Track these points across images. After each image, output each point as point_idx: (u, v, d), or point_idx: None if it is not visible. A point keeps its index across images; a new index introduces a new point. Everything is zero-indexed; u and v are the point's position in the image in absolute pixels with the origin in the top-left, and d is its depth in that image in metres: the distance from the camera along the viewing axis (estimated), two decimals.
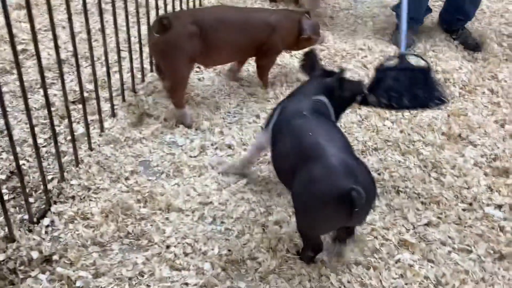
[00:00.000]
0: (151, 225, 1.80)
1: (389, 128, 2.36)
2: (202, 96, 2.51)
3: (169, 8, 2.71)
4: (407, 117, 2.43)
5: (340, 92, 1.87)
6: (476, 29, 3.22)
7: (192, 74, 2.50)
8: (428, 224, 1.87)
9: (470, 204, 1.98)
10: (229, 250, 1.72)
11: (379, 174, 2.11)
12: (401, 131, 2.33)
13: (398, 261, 1.72)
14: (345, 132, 2.29)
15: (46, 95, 1.77)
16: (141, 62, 2.53)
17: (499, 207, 1.97)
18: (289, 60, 2.83)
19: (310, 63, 2.00)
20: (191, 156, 2.14)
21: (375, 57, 2.90)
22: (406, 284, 1.64)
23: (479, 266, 1.72)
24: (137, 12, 2.46)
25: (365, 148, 2.24)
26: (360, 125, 2.38)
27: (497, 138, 2.32)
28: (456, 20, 3.15)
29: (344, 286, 1.63)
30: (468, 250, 1.78)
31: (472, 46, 3.05)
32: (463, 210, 1.95)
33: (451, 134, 2.32)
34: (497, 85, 2.69)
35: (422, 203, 1.96)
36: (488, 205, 1.98)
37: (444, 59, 2.88)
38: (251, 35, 2.40)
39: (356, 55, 2.92)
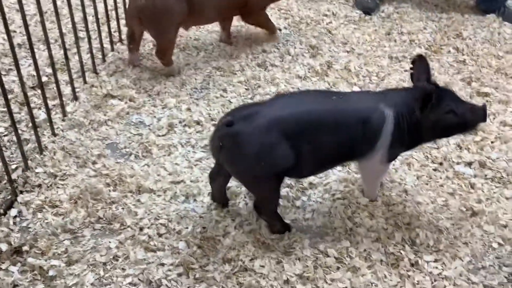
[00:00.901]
0: (123, 208, 1.77)
1: None
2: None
3: None
4: (374, 80, 2.43)
5: (419, 113, 1.56)
6: None
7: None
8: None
9: (441, 163, 2.00)
10: (204, 228, 1.70)
11: None
12: None
13: (371, 227, 1.72)
14: None
15: (1, 82, 1.69)
16: (101, 42, 2.45)
17: (469, 164, 2.00)
18: (254, 29, 2.78)
19: (417, 71, 1.64)
20: (159, 135, 2.09)
21: (340, 22, 2.87)
22: (381, 247, 1.66)
23: (452, 224, 1.74)
24: None
25: None
26: None
27: (464, 96, 2.33)
28: None
29: (319, 252, 1.63)
30: (441, 209, 1.80)
31: None
32: (434, 170, 1.96)
33: None
34: (462, 43, 2.70)
35: (393, 165, 1.97)
36: (458, 163, 2.00)
37: (408, 21, 2.87)
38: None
39: (320, 22, 2.88)
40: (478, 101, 2.30)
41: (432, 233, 1.70)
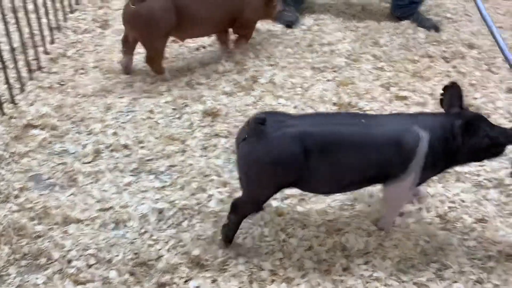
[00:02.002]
0: (49, 242, 1.70)
1: (283, 105, 2.40)
2: (92, 96, 2.41)
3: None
4: (299, 92, 2.48)
5: (461, 140, 1.57)
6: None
7: (78, 77, 2.40)
8: None
9: None
10: (135, 253, 1.67)
11: None
12: (295, 107, 2.38)
13: (303, 236, 1.75)
14: (240, 115, 2.32)
15: None
16: (17, 72, 2.37)
17: None
18: (179, 50, 2.78)
19: (449, 98, 1.65)
20: (84, 163, 2.04)
21: (263, 37, 2.92)
22: (314, 255, 1.68)
23: None
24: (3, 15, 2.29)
25: None
26: (255, 106, 2.39)
27: (384, 101, 2.43)
28: (411, 3, 3.06)
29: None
30: (368, 213, 1.86)
31: (431, 25, 3.01)
32: None
33: (341, 103, 2.40)
34: (380, 50, 2.82)
35: None
36: None
37: (328, 32, 2.96)
38: (224, 8, 2.50)
39: None
40: (397, 105, 2.41)
41: (362, 236, 1.75)
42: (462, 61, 2.75)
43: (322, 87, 2.51)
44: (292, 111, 2.34)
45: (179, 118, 2.31)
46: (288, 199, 1.88)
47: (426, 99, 2.43)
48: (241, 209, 1.64)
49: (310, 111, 2.34)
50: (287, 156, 1.50)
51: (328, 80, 2.57)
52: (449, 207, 1.88)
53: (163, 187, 1.96)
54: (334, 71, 2.64)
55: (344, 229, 1.77)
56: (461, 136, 1.56)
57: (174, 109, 2.36)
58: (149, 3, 2.28)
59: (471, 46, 2.86)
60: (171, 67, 2.64)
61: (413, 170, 1.58)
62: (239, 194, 1.89)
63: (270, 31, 2.99)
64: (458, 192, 1.94)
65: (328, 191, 1.73)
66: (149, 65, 2.47)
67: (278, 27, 3.02)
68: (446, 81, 2.52)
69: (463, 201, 1.91)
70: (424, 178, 1.65)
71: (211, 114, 2.31)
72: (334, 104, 2.40)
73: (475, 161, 1.73)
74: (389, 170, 1.59)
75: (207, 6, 2.44)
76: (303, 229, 1.76)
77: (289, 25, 3.03)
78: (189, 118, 2.29)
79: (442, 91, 1.67)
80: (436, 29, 3.00)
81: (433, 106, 2.39)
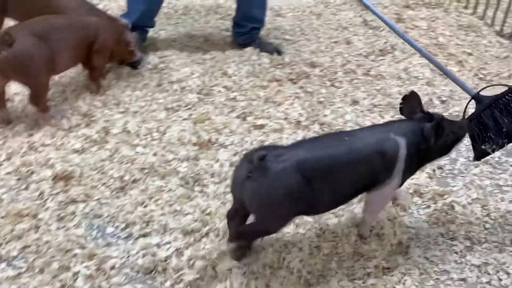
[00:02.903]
0: None
1: (142, 154, 2.27)
2: None
3: None
4: (156, 137, 2.37)
5: (433, 141, 1.73)
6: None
7: None
8: None
9: None
10: None
11: (144, 206, 2.01)
12: (155, 154, 2.26)
13: None
14: (96, 173, 2.15)
15: None
16: None
17: None
18: (16, 108, 2.50)
19: (410, 105, 1.81)
20: None
21: (107, 82, 2.75)
22: None
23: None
24: None
25: (125, 184, 2.11)
26: (112, 160, 2.23)
27: (243, 132, 2.42)
28: (251, 30, 3.11)
29: None
30: None
31: (273, 49, 3.07)
32: None
33: (201, 142, 2.34)
34: (229, 80, 2.82)
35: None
36: None
37: (175, 68, 2.89)
38: (77, 38, 2.49)
39: (86, 86, 2.73)
40: (256, 134, 2.41)
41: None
42: (308, 80, 2.86)
43: (179, 128, 2.42)
44: (152, 159, 2.23)
45: (25, 189, 2.06)
46: None
47: (282, 125, 2.47)
48: (251, 235, 1.74)
49: (170, 156, 2.24)
50: (292, 187, 1.57)
51: (184, 119, 2.50)
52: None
53: (19, 274, 1.72)
54: (189, 109, 2.58)
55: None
56: (434, 137, 1.73)
57: (18, 179, 2.11)
58: (18, 45, 2.22)
59: (313, 65, 2.99)
60: (7, 129, 2.37)
61: (396, 174, 1.73)
62: (108, 264, 1.75)
63: (115, 74, 2.84)
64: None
65: (328, 209, 1.82)
66: (34, 104, 2.38)
67: (123, 69, 2.88)
68: (296, 103, 2.63)
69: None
70: (404, 180, 1.80)
71: (63, 178, 2.10)
72: (194, 144, 2.33)
73: (442, 156, 1.89)
74: (376, 178, 1.71)
75: (65, 36, 2.43)
76: None
77: (134, 65, 2.90)
78: (38, 187, 2.06)
79: (402, 101, 1.82)
80: (279, 52, 3.10)
81: (290, 130, 2.44)
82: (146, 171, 2.17)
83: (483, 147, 1.94)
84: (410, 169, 1.78)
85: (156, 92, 2.70)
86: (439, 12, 3.75)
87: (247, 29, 3.11)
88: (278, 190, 1.56)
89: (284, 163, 1.56)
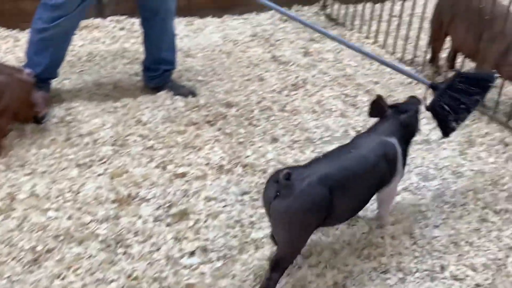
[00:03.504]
0: None
1: (55, 218, 2.08)
2: None
3: None
4: (69, 198, 2.20)
5: (418, 126, 2.13)
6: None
7: None
8: None
9: (166, 264, 1.91)
10: None
11: (62, 279, 1.83)
12: (69, 218, 2.08)
13: None
14: (4, 246, 1.94)
15: None
16: None
17: (192, 253, 1.96)
18: None
19: (378, 107, 2.06)
20: None
21: (6, 141, 2.53)
22: None
23: None
24: None
25: (38, 255, 1.91)
26: (21, 229, 2.02)
27: (165, 183, 2.31)
28: (163, 72, 3.01)
29: None
30: None
31: (187, 91, 3.01)
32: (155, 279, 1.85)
33: (121, 198, 2.19)
34: (145, 128, 2.70)
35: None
36: (182, 256, 1.94)
37: (84, 120, 2.72)
38: None
39: None
40: (178, 184, 2.31)
41: None
42: (225, 121, 2.81)
43: (94, 185, 2.26)
44: (67, 223, 2.05)
45: None
46: None
47: (204, 171, 2.39)
48: (282, 264, 1.75)
49: (87, 218, 2.08)
50: (319, 199, 1.72)
51: (99, 175, 2.34)
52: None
53: None
54: (103, 163, 2.42)
55: None
56: (417, 123, 2.10)
57: None
58: None
59: (229, 105, 2.96)
60: None
61: (399, 170, 2.01)
62: None
63: (17, 131, 2.62)
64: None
65: (348, 218, 1.98)
66: None
67: (26, 126, 2.66)
68: (217, 147, 2.57)
69: None
70: (404, 170, 2.07)
71: None
72: (113, 201, 2.18)
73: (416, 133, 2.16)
74: (384, 178, 1.96)
75: None
76: None
77: (38, 121, 2.69)
78: None
79: (370, 106, 2.07)
80: (193, 94, 3.04)
81: (213, 176, 2.37)
82: (61, 238, 1.99)
83: (453, 124, 2.24)
84: (405, 159, 2.04)
85: (65, 147, 2.52)
86: None
87: (159, 72, 3.02)
88: (305, 204, 1.70)
89: (308, 179, 1.71)
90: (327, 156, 1.93)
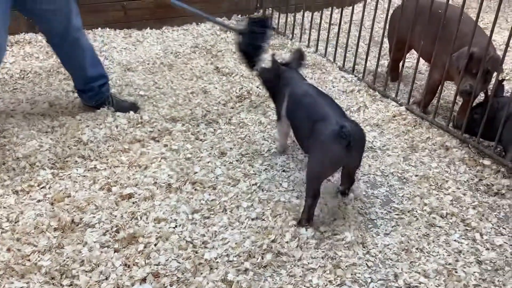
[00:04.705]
0: None
1: None
2: None
3: None
4: (7, 228, 2.05)
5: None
6: None
7: None
8: None
9: None
10: None
11: None
12: (9, 249, 1.94)
13: None
14: None
15: None
16: None
17: (143, 280, 1.87)
18: None
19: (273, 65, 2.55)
20: None
21: None
22: None
23: None
24: None
25: None
26: None
27: (110, 206, 2.20)
28: (99, 88, 2.85)
29: None
30: None
31: (129, 107, 2.92)
32: None
33: (63, 225, 2.07)
34: (86, 148, 2.57)
35: None
36: (132, 284, 1.85)
37: (20, 142, 2.56)
38: None
39: None
40: (125, 206, 2.21)
41: None
42: (171, 137, 2.74)
43: (34, 213, 2.13)
44: (6, 256, 1.91)
45: None
46: None
47: (152, 191, 2.30)
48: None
49: (28, 249, 1.94)
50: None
51: (39, 201, 2.21)
52: None
53: None
54: (43, 188, 2.29)
55: None
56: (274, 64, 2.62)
57: None
58: None
59: (173, 120, 2.88)
60: None
61: None
62: None
63: None
64: None
65: None
66: None
67: None
68: (164, 164, 2.49)
69: None
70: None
71: None
72: (55, 229, 2.05)
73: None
74: None
75: None
76: None
77: None
78: None
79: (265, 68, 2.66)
80: (135, 109, 2.94)
81: (161, 196, 2.28)
82: (0, 272, 1.85)
83: (256, 59, 2.75)
84: None
85: (1, 173, 2.36)
86: (284, 53, 3.91)
87: (95, 91, 2.89)
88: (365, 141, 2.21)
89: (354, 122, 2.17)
90: (330, 103, 2.27)
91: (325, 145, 2.07)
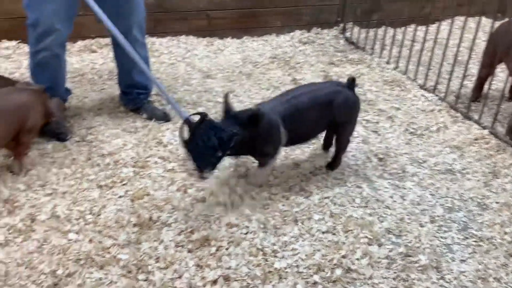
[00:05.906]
0: None
1: (76, 241, 2.05)
2: None
3: None
4: (90, 220, 2.17)
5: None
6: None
7: None
8: None
9: None
10: None
11: None
12: (90, 241, 2.05)
13: None
14: (25, 268, 1.91)
15: None
16: None
17: (214, 282, 1.92)
18: None
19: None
20: None
21: (30, 159, 2.52)
22: None
23: None
24: None
25: (58, 280, 1.87)
26: (41, 251, 1.99)
27: (186, 208, 2.27)
28: (138, 95, 2.96)
29: None
30: None
31: (161, 116, 2.94)
32: None
33: (142, 222, 2.16)
34: (165, 150, 2.68)
35: None
36: (204, 285, 1.90)
37: (106, 140, 2.71)
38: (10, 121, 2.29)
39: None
40: (200, 208, 2.27)
41: None
42: None
43: (115, 208, 2.24)
44: (88, 247, 2.02)
45: None
46: None
47: (224, 198, 2.35)
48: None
49: (109, 242, 2.04)
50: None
51: (120, 197, 2.31)
52: None
53: None
54: (124, 185, 2.40)
55: None
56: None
57: None
58: None
59: None
60: None
61: None
62: None
63: (38, 150, 2.61)
64: None
65: None
66: None
67: (46, 144, 2.65)
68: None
69: None
70: None
71: None
72: (135, 225, 2.15)
73: None
74: None
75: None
76: None
77: (61, 138, 2.68)
78: None
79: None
80: (167, 118, 2.95)
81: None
82: (81, 262, 1.96)
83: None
84: None
85: (86, 167, 2.50)
86: (363, 68, 3.88)
87: (133, 96, 2.97)
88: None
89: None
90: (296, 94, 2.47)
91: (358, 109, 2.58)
